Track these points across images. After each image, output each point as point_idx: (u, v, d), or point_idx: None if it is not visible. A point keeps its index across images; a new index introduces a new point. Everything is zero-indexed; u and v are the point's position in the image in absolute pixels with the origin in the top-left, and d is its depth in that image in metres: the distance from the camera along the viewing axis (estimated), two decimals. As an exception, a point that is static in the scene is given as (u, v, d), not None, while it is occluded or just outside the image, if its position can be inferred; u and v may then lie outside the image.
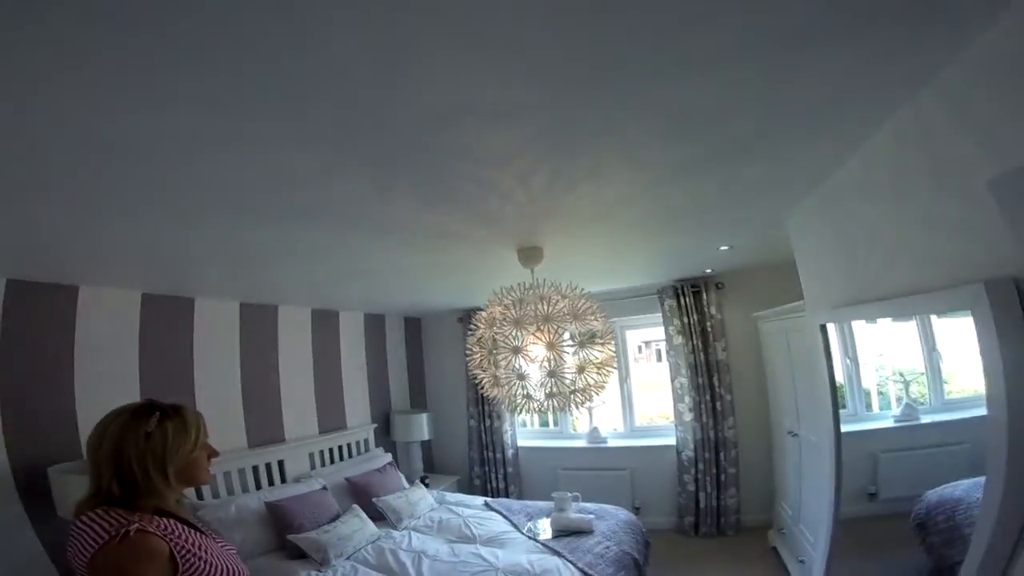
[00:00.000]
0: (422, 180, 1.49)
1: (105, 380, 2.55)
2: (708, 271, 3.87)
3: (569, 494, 3.16)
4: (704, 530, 3.90)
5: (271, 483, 3.30)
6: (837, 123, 1.35)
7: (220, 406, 3.17)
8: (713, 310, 4.00)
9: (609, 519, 3.05)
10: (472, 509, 3.49)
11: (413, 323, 5.28)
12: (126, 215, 1.54)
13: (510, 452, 4.54)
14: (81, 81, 0.86)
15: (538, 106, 1.11)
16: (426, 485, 4.25)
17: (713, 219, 2.24)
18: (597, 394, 2.24)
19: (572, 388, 2.13)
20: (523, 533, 3.00)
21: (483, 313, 2.23)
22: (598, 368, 2.16)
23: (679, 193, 1.81)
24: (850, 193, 1.69)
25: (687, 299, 4.01)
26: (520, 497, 4.51)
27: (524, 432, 4.82)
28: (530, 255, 2.38)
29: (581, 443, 4.46)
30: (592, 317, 2.13)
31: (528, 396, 2.15)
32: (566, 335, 2.09)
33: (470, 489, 4.67)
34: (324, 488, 3.28)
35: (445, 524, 3.22)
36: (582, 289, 2.19)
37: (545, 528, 3.02)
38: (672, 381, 4.12)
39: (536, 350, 2.12)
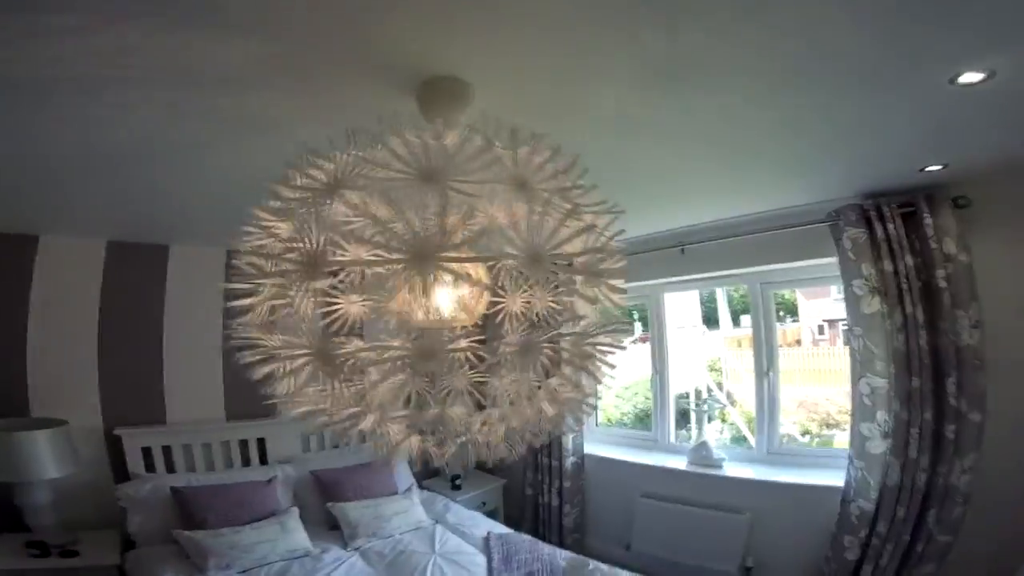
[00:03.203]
0: None
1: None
2: (933, 167, 1.91)
3: (591, 564, 1.73)
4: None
5: (246, 463, 2.72)
6: None
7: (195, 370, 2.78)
8: (951, 247, 2.02)
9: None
10: (459, 541, 2.31)
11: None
12: None
13: (569, 461, 3.13)
14: None
15: None
16: (457, 487, 3.22)
17: None
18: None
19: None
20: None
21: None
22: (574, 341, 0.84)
23: None
24: None
25: (891, 226, 2.09)
26: (580, 525, 3.17)
27: (596, 434, 3.38)
28: (436, 94, 1.05)
29: (680, 462, 2.84)
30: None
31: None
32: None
33: (521, 500, 3.42)
34: (269, 481, 2.50)
35: (403, 559, 2.19)
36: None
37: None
38: (855, 383, 2.27)
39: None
